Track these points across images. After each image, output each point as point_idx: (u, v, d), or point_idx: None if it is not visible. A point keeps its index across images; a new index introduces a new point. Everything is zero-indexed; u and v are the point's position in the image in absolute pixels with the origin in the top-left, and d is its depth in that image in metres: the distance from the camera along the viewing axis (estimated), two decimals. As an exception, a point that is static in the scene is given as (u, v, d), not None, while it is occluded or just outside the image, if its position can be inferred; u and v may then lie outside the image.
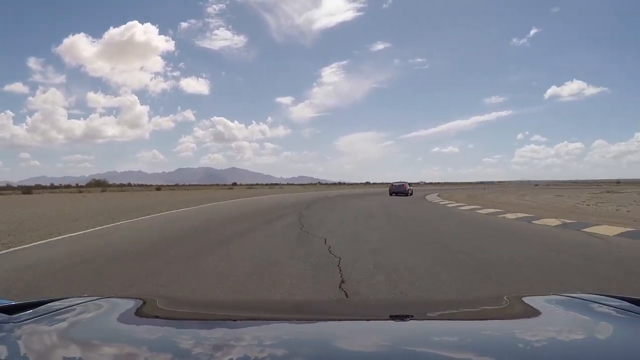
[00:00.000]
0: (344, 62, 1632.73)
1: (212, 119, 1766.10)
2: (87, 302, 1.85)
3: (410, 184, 57.65)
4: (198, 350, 1.32)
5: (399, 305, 3.01)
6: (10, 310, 1.63)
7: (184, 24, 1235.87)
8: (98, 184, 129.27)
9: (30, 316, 1.56)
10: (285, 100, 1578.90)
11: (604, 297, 1.87)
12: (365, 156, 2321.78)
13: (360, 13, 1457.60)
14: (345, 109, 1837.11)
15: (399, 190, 52.81)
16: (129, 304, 1.94)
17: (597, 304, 1.77)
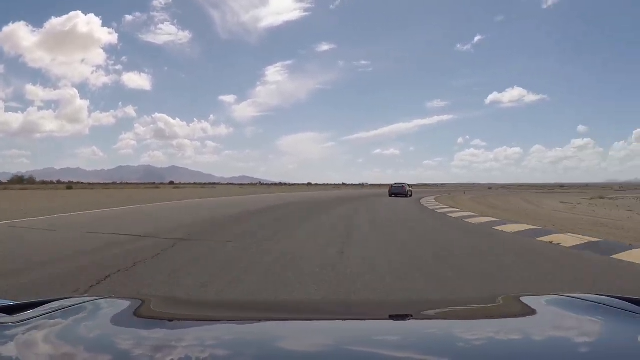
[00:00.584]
0: (289, 62, 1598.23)
1: (153, 116, 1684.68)
2: (86, 302, 1.87)
3: (410, 186, 58.72)
4: (197, 350, 1.35)
5: (398, 305, 3.06)
6: (10, 310, 1.64)
7: (128, 17, 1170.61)
8: (20, 181, 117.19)
9: (30, 316, 1.57)
10: (229, 98, 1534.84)
11: (602, 297, 1.90)
12: (308, 156, 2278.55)
13: (307, 13, 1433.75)
14: (288, 109, 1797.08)
15: (398, 192, 53.08)
16: (128, 304, 1.95)
17: (595, 304, 1.80)
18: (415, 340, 1.48)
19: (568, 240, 11.70)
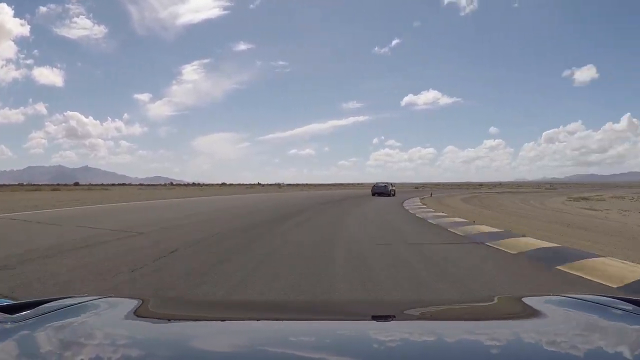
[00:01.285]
0: (206, 61, 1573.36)
1: (65, 114, 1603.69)
2: (86, 301, 1.86)
3: (392, 185, 58.95)
4: (197, 350, 1.39)
5: (382, 305, 3.08)
6: (10, 310, 1.64)
7: (42, 8, 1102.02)
8: None
9: (30, 316, 1.57)
10: (144, 97, 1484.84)
11: (602, 297, 1.93)
12: (223, 157, 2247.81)
13: (226, 12, 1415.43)
14: (204, 108, 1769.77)
15: (381, 191, 53.72)
16: (128, 304, 1.96)
17: (595, 304, 1.80)
18: (398, 341, 1.47)
19: None
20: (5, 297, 2.04)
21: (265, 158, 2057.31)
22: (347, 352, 1.36)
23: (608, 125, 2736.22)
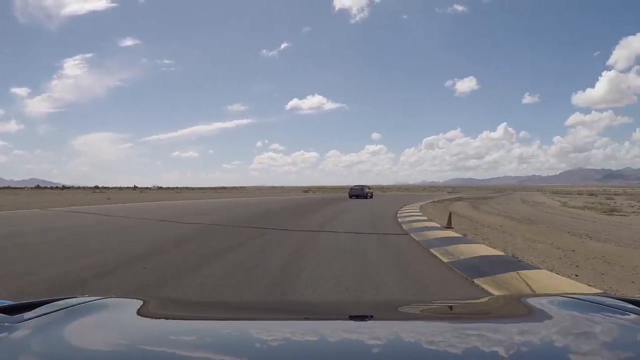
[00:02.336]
0: (89, 55, 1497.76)
1: None
2: (87, 302, 1.88)
3: (369, 188, 61.16)
4: (197, 350, 1.41)
5: (359, 305, 3.15)
6: (10, 310, 1.65)
7: None
8: None
9: (30, 316, 1.59)
10: (21, 91, 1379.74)
11: (602, 297, 1.97)
12: (104, 158, 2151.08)
13: (114, 4, 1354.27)
14: (86, 106, 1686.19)
15: (358, 194, 55.41)
16: (129, 304, 2.02)
17: (595, 304, 1.83)
18: (372, 341, 1.49)
19: None
20: (6, 298, 2.07)
21: (147, 160, 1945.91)
22: (324, 351, 1.38)
23: (485, 133, 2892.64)
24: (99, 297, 2.02)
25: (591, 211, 35.36)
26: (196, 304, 3.20)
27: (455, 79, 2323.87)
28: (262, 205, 36.03)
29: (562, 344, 1.45)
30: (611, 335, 1.54)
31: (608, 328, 1.60)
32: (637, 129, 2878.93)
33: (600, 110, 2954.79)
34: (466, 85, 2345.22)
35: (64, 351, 1.39)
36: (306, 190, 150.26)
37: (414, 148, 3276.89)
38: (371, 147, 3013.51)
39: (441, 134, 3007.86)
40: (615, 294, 6.49)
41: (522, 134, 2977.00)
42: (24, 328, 1.48)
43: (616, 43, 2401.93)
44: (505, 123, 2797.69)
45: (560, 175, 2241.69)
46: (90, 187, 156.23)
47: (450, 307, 2.46)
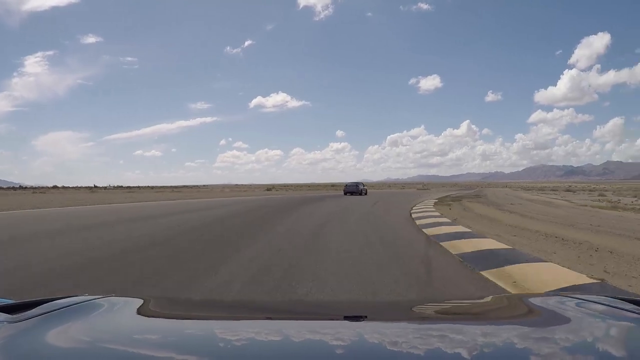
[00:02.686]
0: (51, 52, 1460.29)
1: None
2: (87, 301, 1.88)
3: (364, 185, 61.59)
4: (197, 350, 1.40)
5: (354, 305, 3.17)
6: (10, 309, 1.66)
7: None
8: None
9: (31, 315, 1.58)
10: None
11: (603, 297, 1.92)
12: (66, 157, 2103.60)
13: (76, 0, 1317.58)
14: (47, 105, 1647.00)
15: (353, 190, 56.08)
16: (129, 304, 1.99)
17: (595, 304, 1.81)
18: (369, 341, 1.48)
19: None
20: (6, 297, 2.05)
21: (109, 159, 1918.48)
22: (320, 351, 1.38)
23: (449, 130, 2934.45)
24: (100, 296, 2.00)
25: (623, 211, 28.37)
26: (196, 304, 3.26)
27: (419, 77, 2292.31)
28: (206, 210, 25.16)
29: (562, 344, 1.44)
30: (611, 334, 1.55)
31: (608, 328, 1.62)
32: (598, 127, 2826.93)
33: (562, 108, 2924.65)
34: (430, 83, 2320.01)
35: (64, 350, 1.38)
36: (269, 188, 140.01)
37: (377, 145, 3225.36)
38: (335, 145, 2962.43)
39: (405, 132, 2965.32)
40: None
41: (485, 131, 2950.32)
42: (24, 327, 1.48)
43: (578, 42, 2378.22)
44: (468, 120, 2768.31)
45: (523, 171, 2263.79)
46: (47, 187, 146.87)
47: (448, 307, 2.50)
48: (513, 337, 1.51)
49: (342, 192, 58.14)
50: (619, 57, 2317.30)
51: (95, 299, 1.94)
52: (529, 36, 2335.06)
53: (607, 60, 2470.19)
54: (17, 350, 1.32)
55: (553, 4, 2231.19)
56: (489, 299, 3.42)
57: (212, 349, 1.41)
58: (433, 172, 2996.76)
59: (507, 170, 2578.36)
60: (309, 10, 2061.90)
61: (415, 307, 2.56)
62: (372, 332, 1.60)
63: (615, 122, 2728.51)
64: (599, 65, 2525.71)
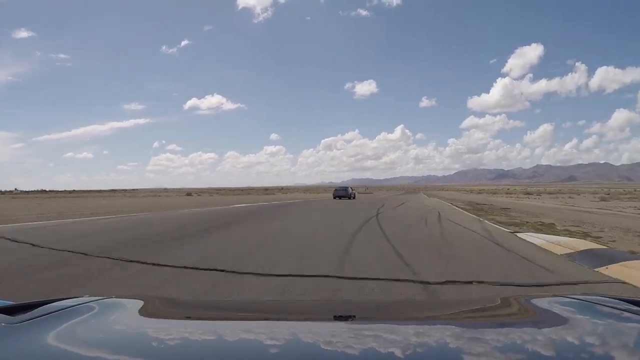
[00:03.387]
0: None
1: None
2: (87, 302, 1.88)
3: (352, 189, 63.26)
4: (197, 350, 1.40)
5: (343, 305, 3.05)
6: (10, 310, 1.67)
7: None
8: None
9: (31, 317, 1.59)
10: None
11: (603, 297, 1.94)
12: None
13: None
14: None
15: (342, 194, 56.47)
16: (129, 305, 2.00)
17: (596, 305, 1.82)
18: (359, 341, 1.47)
19: None
20: (6, 298, 2.06)
21: (40, 162, 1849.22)
22: (310, 352, 1.38)
23: (383, 135, 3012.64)
24: (99, 297, 2.02)
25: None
26: (196, 304, 3.26)
27: (355, 81, 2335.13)
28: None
29: (562, 344, 1.44)
30: (614, 335, 1.55)
31: (608, 328, 1.62)
32: (529, 132, 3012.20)
33: (494, 115, 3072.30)
34: (366, 88, 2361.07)
35: (64, 351, 1.38)
36: (189, 193, 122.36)
37: (312, 149, 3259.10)
38: (270, 148, 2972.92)
39: (340, 136, 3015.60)
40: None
41: (419, 135, 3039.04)
42: (25, 328, 1.48)
43: (512, 52, 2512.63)
44: (402, 125, 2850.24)
45: (455, 174, 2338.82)
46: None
47: (444, 308, 2.48)
48: (512, 337, 1.51)
49: (289, 202, 51.16)
50: (551, 67, 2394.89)
51: (95, 300, 1.94)
52: (465, 45, 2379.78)
53: (539, 70, 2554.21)
54: (17, 352, 1.30)
55: (489, 14, 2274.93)
56: (486, 299, 3.59)
57: (210, 350, 1.41)
58: (367, 175, 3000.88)
59: (439, 174, 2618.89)
60: (248, 11, 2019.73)
61: (415, 307, 2.66)
62: (363, 332, 1.59)
63: (545, 128, 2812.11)
64: (531, 75, 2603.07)
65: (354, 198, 56.84)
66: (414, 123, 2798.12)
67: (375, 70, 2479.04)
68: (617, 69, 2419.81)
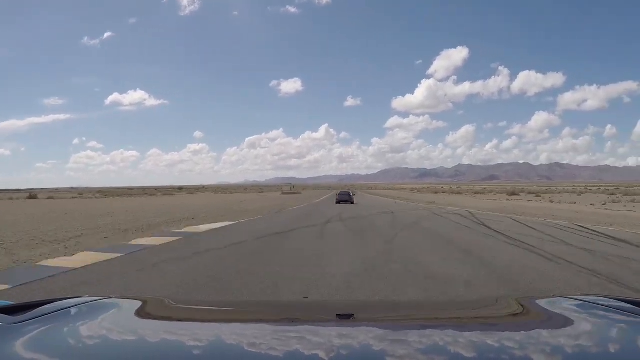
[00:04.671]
0: None
1: None
2: (87, 302, 1.90)
3: (353, 193, 65.35)
4: (196, 350, 1.41)
5: (342, 305, 3.12)
6: (10, 310, 1.67)
7: None
8: None
9: (31, 317, 1.59)
10: None
11: (602, 298, 1.96)
12: None
13: None
14: None
15: (346, 199, 54.07)
16: (129, 305, 2.03)
17: (596, 305, 1.84)
18: (355, 342, 1.48)
19: None
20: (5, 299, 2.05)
21: None
22: (313, 352, 1.35)
23: (307, 134, 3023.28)
24: (99, 298, 2.03)
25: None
26: (194, 304, 3.28)
27: (281, 79, 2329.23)
28: None
29: (562, 345, 1.45)
30: (612, 336, 1.58)
31: (608, 328, 1.65)
32: (451, 133, 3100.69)
33: (418, 115, 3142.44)
34: (291, 86, 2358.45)
35: (64, 351, 1.39)
36: (81, 193, 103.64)
37: (236, 147, 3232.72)
38: (193, 146, 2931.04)
39: (264, 134, 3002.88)
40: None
41: (343, 135, 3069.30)
42: (24, 328, 1.48)
43: (438, 54, 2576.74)
44: (327, 124, 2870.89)
45: (379, 173, 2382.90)
46: None
47: (444, 308, 2.54)
48: (511, 337, 1.52)
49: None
50: (475, 70, 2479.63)
51: (94, 300, 1.97)
52: (391, 45, 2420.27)
53: (464, 73, 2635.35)
54: (16, 352, 1.30)
55: (416, 15, 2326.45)
56: (487, 299, 3.70)
57: (203, 350, 1.41)
58: (291, 174, 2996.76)
59: (363, 173, 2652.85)
60: (174, 3, 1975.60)
61: (415, 307, 2.68)
62: (367, 332, 1.61)
63: (467, 129, 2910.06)
64: (455, 77, 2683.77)
65: (352, 203, 52.54)
66: (338, 122, 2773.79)
67: (302, 68, 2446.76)
68: (538, 74, 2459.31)
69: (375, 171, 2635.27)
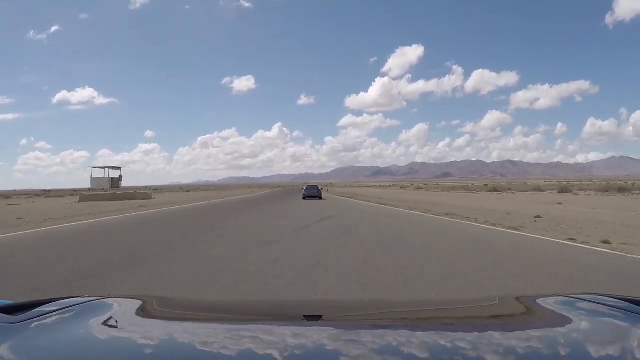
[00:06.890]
0: None
1: None
2: (87, 302, 1.95)
3: (321, 188, 59.11)
4: (196, 350, 1.46)
5: (313, 305, 3.12)
6: (10, 310, 1.70)
7: None
8: None
9: (31, 316, 1.63)
10: None
11: (603, 297, 1.98)
12: None
13: None
14: None
15: (313, 194, 52.43)
16: (129, 305, 2.06)
17: (596, 304, 1.87)
18: (322, 341, 1.51)
19: None
20: (5, 298, 2.14)
21: None
22: (277, 352, 1.36)
23: (260, 132, 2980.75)
24: (99, 297, 2.09)
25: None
26: (196, 303, 3.51)
27: (234, 76, 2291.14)
28: None
29: (562, 344, 1.48)
30: (612, 335, 1.59)
31: (608, 327, 1.66)
32: (404, 131, 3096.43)
33: (372, 114, 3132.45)
34: (244, 84, 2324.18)
35: (64, 351, 1.42)
36: None
37: (188, 147, 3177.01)
38: (144, 146, 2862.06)
39: (216, 133, 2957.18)
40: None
41: (296, 133, 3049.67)
42: (24, 328, 1.51)
43: (393, 52, 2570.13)
44: (280, 123, 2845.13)
45: (332, 172, 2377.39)
46: None
47: (444, 307, 2.63)
48: (510, 337, 1.56)
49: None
50: (430, 68, 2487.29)
51: (94, 299, 2.00)
52: (345, 42, 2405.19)
53: (418, 71, 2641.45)
54: (17, 351, 1.34)
55: (371, 11, 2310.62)
56: (485, 299, 3.56)
57: (205, 349, 1.44)
58: (244, 173, 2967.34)
59: (316, 171, 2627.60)
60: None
61: (415, 307, 2.59)
62: (335, 332, 1.62)
63: (421, 127, 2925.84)
64: (410, 75, 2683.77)
65: (320, 198, 51.45)
66: (291, 121, 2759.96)
67: (255, 66, 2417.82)
68: (492, 73, 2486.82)
69: (329, 170, 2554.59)
